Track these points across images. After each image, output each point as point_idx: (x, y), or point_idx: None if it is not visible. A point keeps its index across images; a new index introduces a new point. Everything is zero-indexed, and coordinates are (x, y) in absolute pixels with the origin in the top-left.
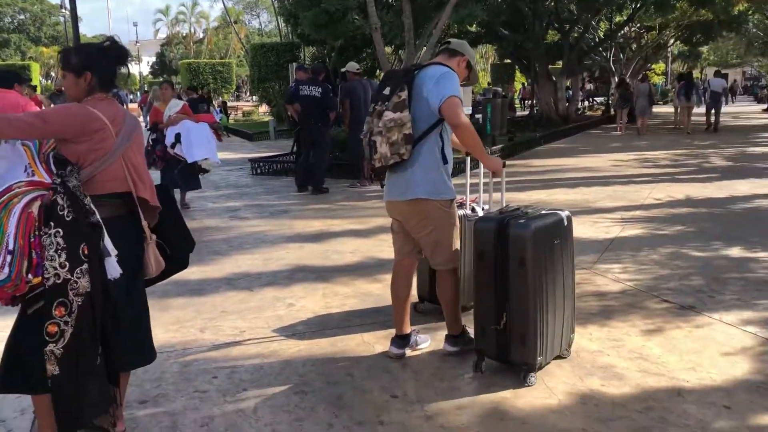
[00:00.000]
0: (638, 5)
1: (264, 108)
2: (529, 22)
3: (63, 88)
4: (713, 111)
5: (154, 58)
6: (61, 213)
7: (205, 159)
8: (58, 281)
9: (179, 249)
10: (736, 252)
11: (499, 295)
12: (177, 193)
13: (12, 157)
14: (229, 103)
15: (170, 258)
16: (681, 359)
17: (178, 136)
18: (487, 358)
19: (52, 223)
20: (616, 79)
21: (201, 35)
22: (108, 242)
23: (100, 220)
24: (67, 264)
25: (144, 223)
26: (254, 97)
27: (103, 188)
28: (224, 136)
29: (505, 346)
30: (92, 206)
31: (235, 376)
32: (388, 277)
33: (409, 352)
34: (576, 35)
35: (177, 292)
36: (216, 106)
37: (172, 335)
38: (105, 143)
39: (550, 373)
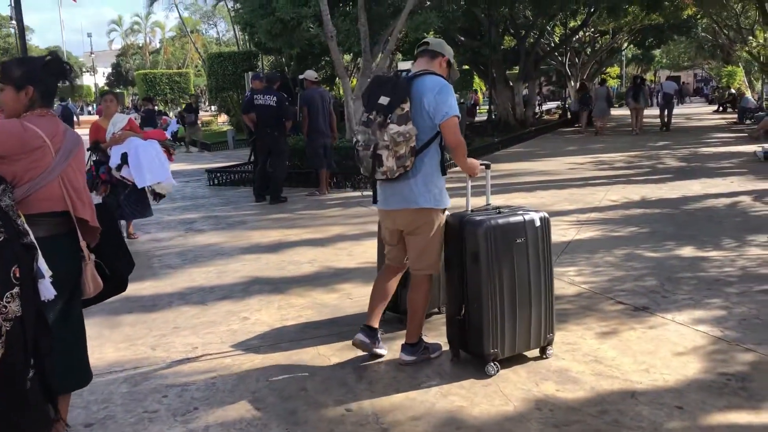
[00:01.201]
0: (592, 10)
1: (223, 117)
2: (485, 29)
3: None
4: (666, 112)
5: (110, 69)
6: None
7: (158, 182)
8: None
9: (118, 270)
10: (688, 251)
11: (460, 288)
12: (123, 226)
13: None
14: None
15: (108, 278)
16: (635, 361)
17: (124, 157)
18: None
19: None
20: (572, 83)
21: (157, 45)
22: (42, 263)
23: (34, 241)
24: None
25: (82, 243)
26: (213, 106)
27: (39, 207)
28: (180, 149)
29: (465, 337)
30: (26, 226)
31: (187, 395)
32: (346, 286)
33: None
34: (532, 41)
35: (128, 308)
36: (173, 116)
37: (122, 354)
38: (43, 161)
39: (506, 379)
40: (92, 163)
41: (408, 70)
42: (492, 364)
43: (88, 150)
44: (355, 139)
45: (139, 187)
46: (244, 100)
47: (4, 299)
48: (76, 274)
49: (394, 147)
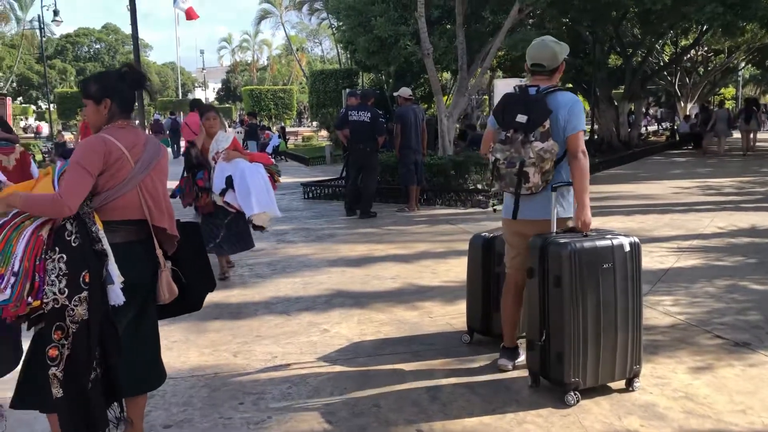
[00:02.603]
0: (705, 28)
1: (323, 133)
2: (589, 47)
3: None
4: None
5: (219, 85)
6: (68, 239)
7: (264, 212)
8: (57, 306)
9: (197, 288)
10: None
11: (541, 312)
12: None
13: None
14: (291, 129)
15: (184, 292)
16: (731, 400)
17: (229, 180)
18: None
19: (57, 248)
20: (682, 104)
21: (264, 62)
22: (113, 269)
23: (107, 248)
24: (66, 290)
25: (158, 251)
26: (314, 122)
27: (116, 215)
28: (281, 161)
29: (545, 362)
30: (100, 234)
31: (261, 404)
32: (427, 304)
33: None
34: (639, 59)
35: (215, 314)
36: (275, 131)
37: (205, 359)
38: (122, 172)
39: (587, 410)
40: (187, 174)
41: (528, 84)
42: (572, 393)
43: (182, 155)
44: (493, 158)
45: (247, 215)
46: (338, 116)
47: (72, 302)
48: (150, 281)
49: (540, 163)
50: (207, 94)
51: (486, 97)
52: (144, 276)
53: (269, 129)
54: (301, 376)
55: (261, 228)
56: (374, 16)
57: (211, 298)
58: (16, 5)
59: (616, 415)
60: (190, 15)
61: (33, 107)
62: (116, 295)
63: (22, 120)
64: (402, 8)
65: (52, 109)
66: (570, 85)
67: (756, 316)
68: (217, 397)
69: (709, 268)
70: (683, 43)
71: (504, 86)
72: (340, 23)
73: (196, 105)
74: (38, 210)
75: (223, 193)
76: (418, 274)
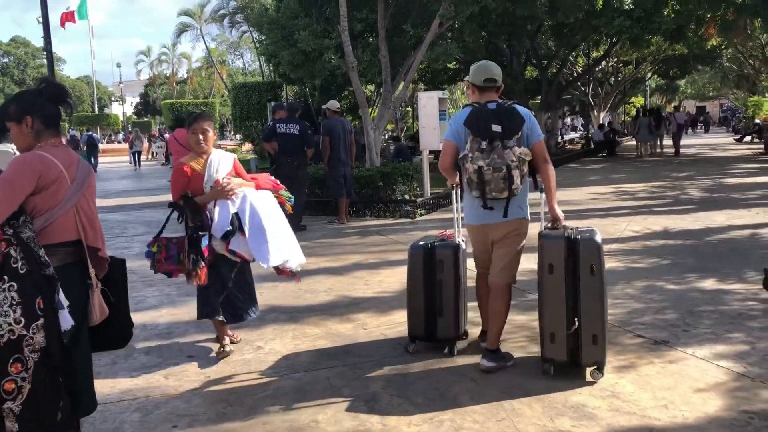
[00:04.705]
0: (614, 40)
1: (247, 146)
2: (507, 59)
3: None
4: (677, 140)
5: (138, 99)
6: (14, 266)
7: (286, 261)
8: (13, 337)
9: (122, 313)
10: (710, 284)
11: (570, 302)
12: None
13: None
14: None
15: (109, 319)
16: (654, 396)
17: (236, 221)
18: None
19: (5, 277)
20: (595, 113)
21: (184, 75)
22: (61, 294)
23: (54, 272)
24: (23, 319)
25: (91, 271)
26: (237, 135)
27: (55, 237)
28: None
29: (576, 349)
30: (46, 258)
31: (197, 425)
32: (361, 316)
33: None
34: (554, 70)
35: (144, 336)
36: None
37: (135, 382)
38: (60, 192)
39: (520, 413)
40: (187, 231)
41: (486, 101)
42: (598, 371)
43: (170, 207)
44: (475, 166)
45: (266, 267)
46: (265, 129)
47: (30, 331)
48: (84, 302)
49: (521, 166)
50: (125, 108)
51: (409, 108)
52: (79, 298)
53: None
54: (237, 395)
55: (293, 275)
56: (297, 29)
57: (139, 319)
58: None
59: (548, 417)
60: (65, 20)
61: None
62: (66, 320)
63: None
64: (325, 22)
65: None
66: None
67: (672, 315)
68: (150, 421)
69: (627, 270)
70: (595, 54)
71: (427, 98)
72: (263, 37)
73: (180, 122)
74: None
75: (227, 237)
76: (351, 286)
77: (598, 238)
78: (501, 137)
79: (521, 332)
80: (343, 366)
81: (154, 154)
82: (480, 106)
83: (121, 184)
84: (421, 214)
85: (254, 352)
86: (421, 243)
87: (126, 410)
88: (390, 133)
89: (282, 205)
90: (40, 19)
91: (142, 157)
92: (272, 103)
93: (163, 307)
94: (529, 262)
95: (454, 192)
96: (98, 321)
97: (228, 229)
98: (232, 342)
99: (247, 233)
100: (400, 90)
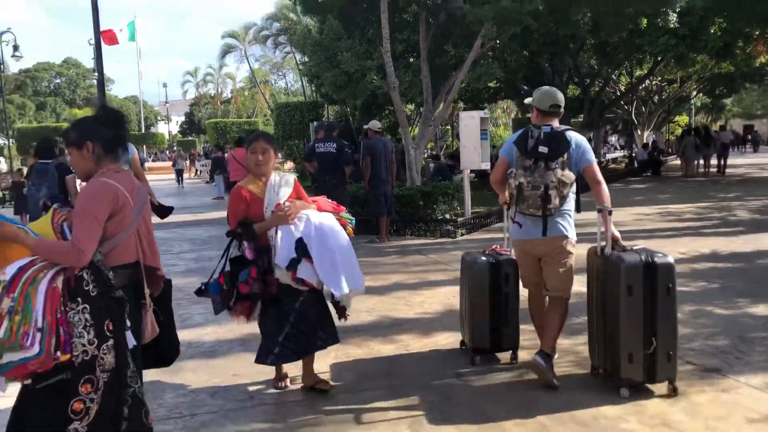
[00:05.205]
0: (659, 59)
1: (289, 165)
2: (548, 77)
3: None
4: (723, 160)
5: (183, 118)
6: (86, 288)
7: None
8: (86, 358)
9: (168, 332)
10: (762, 309)
11: (648, 323)
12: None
13: None
14: None
15: (158, 338)
16: (705, 426)
17: (301, 246)
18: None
19: (79, 299)
20: (638, 132)
21: (228, 95)
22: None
23: (123, 294)
24: (95, 340)
25: (146, 291)
26: (280, 154)
27: (118, 260)
28: None
29: (652, 367)
30: (114, 280)
31: None
32: (403, 337)
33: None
34: (596, 89)
35: (190, 354)
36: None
37: (181, 400)
38: (126, 217)
39: None
40: (226, 263)
41: (542, 124)
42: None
43: (229, 236)
44: (517, 182)
45: (337, 296)
46: (306, 149)
47: (102, 351)
48: (138, 322)
49: (561, 187)
50: (170, 127)
51: (448, 127)
52: (136, 318)
53: None
54: (281, 415)
55: (343, 312)
56: (340, 51)
57: (185, 336)
58: None
59: None
60: (110, 40)
61: None
62: (129, 340)
63: None
64: (367, 43)
65: (11, 144)
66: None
67: (723, 341)
68: None
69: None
70: (638, 73)
71: (468, 118)
72: (306, 58)
73: (242, 142)
74: (51, 256)
75: (293, 265)
76: (392, 306)
77: (671, 259)
78: (545, 158)
79: (567, 357)
80: (388, 387)
81: (198, 172)
82: (534, 128)
83: (165, 202)
84: (462, 234)
85: (298, 371)
86: (483, 258)
87: (173, 429)
88: (429, 151)
89: (343, 227)
90: (92, 42)
91: (185, 175)
92: (314, 123)
93: (208, 325)
94: (575, 285)
95: (504, 209)
96: (149, 339)
97: (293, 257)
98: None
99: (314, 259)
100: (441, 109)
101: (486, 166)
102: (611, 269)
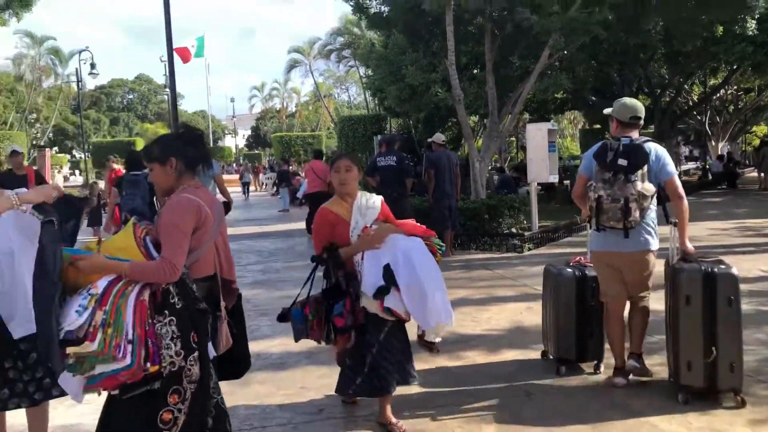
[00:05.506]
0: (734, 67)
1: None
2: (617, 87)
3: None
4: None
5: (249, 132)
6: (172, 301)
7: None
8: (174, 369)
9: (240, 344)
10: None
11: (708, 332)
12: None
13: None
14: None
15: (230, 350)
16: None
17: (389, 273)
18: None
19: (166, 312)
20: (713, 143)
21: (293, 109)
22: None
23: (206, 306)
24: (182, 352)
25: (222, 303)
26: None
27: (198, 273)
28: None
29: (713, 376)
30: (198, 293)
31: None
32: (470, 354)
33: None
34: (668, 99)
35: (258, 366)
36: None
37: (252, 412)
38: (207, 231)
39: None
40: (310, 290)
41: (621, 136)
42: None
43: (313, 261)
44: (596, 194)
45: (424, 329)
46: (368, 163)
47: (188, 363)
48: (215, 334)
49: (641, 200)
50: (237, 141)
51: (513, 138)
52: (213, 331)
53: (299, 174)
54: (348, 429)
55: (432, 346)
56: (405, 65)
57: (253, 348)
58: (56, 60)
59: None
60: (184, 57)
61: (68, 156)
62: (210, 352)
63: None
64: (432, 56)
65: (87, 158)
66: (598, 126)
67: None
68: None
69: (757, 314)
70: (712, 82)
71: (535, 130)
72: (369, 72)
73: (320, 154)
74: (147, 278)
75: (381, 294)
76: (458, 322)
77: (735, 271)
78: (625, 171)
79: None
80: (455, 405)
81: (263, 185)
82: (613, 140)
83: (233, 214)
84: (529, 249)
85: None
86: (569, 269)
87: None
88: (494, 164)
89: (433, 254)
90: (163, 58)
91: (251, 188)
92: (378, 137)
93: (276, 337)
94: (652, 302)
95: (587, 223)
96: (223, 350)
97: (381, 284)
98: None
99: (401, 288)
100: (507, 122)
101: (554, 179)
102: (675, 279)
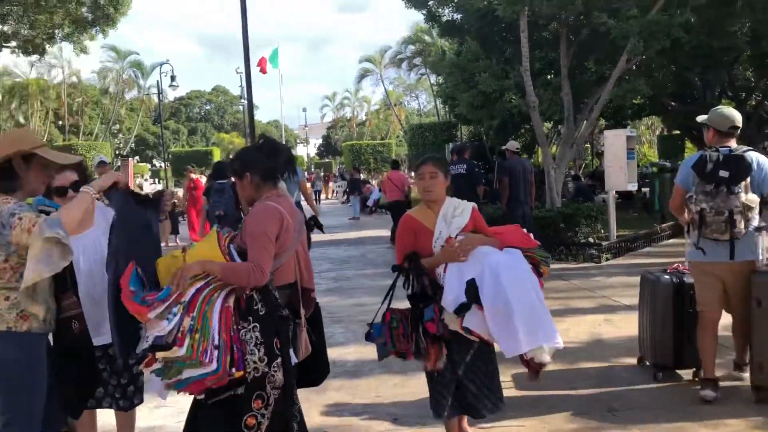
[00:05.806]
0: None
1: None
2: (699, 92)
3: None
4: None
5: (320, 140)
6: (255, 308)
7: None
8: (257, 375)
9: (319, 352)
10: None
11: None
12: None
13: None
14: None
15: (308, 358)
16: None
17: (472, 288)
18: None
19: (250, 318)
20: None
21: (363, 118)
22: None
23: (288, 313)
24: (266, 358)
25: (302, 311)
26: (413, 173)
27: (280, 280)
28: (384, 214)
29: None
30: (280, 300)
31: None
32: (548, 366)
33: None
34: (753, 103)
35: (334, 373)
36: (375, 184)
37: (327, 419)
38: (288, 239)
39: None
40: (391, 301)
41: (720, 146)
42: None
43: (394, 270)
44: (698, 207)
45: (509, 356)
46: None
47: (272, 369)
48: (295, 341)
49: (746, 212)
50: (308, 149)
51: (588, 145)
52: (294, 338)
53: (369, 182)
54: None
55: (536, 373)
56: (478, 72)
57: (328, 355)
58: (138, 73)
59: None
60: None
61: (148, 166)
62: (292, 358)
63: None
64: (505, 62)
65: (166, 167)
66: (677, 132)
67: None
68: None
69: None
70: None
71: (614, 137)
72: (441, 79)
73: (397, 165)
74: (235, 279)
75: (461, 311)
76: None
77: None
78: (727, 183)
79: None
80: (532, 417)
81: (334, 192)
82: (711, 151)
83: None
84: (607, 259)
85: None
86: (666, 276)
87: None
88: (569, 171)
89: (535, 266)
90: (239, 70)
91: (321, 196)
92: (449, 145)
93: (350, 344)
94: None
95: (685, 230)
96: (302, 357)
97: (462, 301)
98: None
99: (485, 307)
100: (584, 128)
101: (632, 187)
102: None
